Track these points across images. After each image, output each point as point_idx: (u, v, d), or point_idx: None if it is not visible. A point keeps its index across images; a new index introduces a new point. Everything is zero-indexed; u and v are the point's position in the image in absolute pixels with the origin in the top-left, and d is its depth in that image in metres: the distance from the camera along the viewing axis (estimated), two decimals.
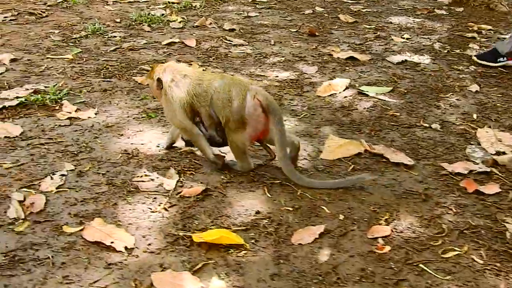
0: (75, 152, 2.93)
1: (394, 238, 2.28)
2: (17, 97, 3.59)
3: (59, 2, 6.65)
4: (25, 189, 2.55)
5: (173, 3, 6.81)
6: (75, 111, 3.44)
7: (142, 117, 3.41)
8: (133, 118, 3.39)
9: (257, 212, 2.42)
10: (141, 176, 2.70)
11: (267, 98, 2.58)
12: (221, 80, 2.66)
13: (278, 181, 2.69)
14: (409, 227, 2.36)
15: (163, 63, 2.95)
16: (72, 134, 3.14)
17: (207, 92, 2.62)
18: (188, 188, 2.61)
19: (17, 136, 3.08)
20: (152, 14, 6.04)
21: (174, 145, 2.99)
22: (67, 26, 5.60)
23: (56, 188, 2.56)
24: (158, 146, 3.02)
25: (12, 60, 4.38)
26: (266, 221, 2.36)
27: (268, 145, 2.79)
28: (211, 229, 2.28)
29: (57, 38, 5.10)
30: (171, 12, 6.28)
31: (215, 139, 2.76)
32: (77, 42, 5.02)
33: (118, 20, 5.89)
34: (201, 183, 2.66)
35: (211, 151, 2.77)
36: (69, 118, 3.33)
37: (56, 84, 3.78)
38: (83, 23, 5.74)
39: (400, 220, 2.40)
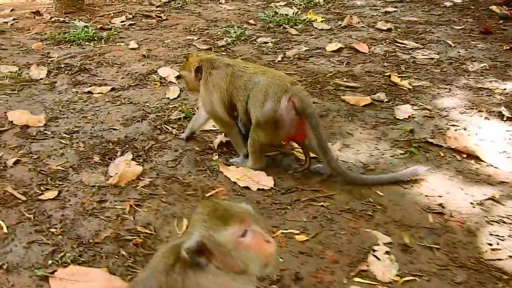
0: (369, 213, 2.21)
1: None
2: None
3: (166, 2, 5.93)
4: (358, 279, 1.85)
5: None
6: None
7: (402, 154, 2.68)
8: (391, 156, 2.67)
9: None
10: (486, 250, 1.99)
11: (302, 100, 2.33)
12: (262, 77, 2.41)
13: None
14: None
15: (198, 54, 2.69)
16: (333, 184, 2.42)
17: (246, 86, 2.40)
18: None
19: (272, 188, 2.38)
20: (285, 14, 5.29)
21: None
22: (198, 30, 4.87)
23: (400, 277, 1.86)
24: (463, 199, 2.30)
25: (177, 77, 3.68)
26: None
27: (310, 152, 2.53)
28: None
29: (203, 46, 4.38)
30: (301, 11, 5.52)
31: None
32: (228, 50, 4.30)
33: (251, 21, 5.14)
34: None
35: (244, 146, 2.54)
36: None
37: None
38: (214, 26, 5.01)
39: None
